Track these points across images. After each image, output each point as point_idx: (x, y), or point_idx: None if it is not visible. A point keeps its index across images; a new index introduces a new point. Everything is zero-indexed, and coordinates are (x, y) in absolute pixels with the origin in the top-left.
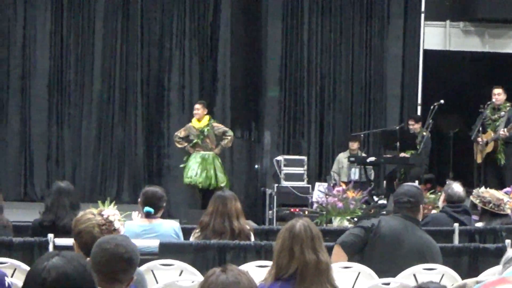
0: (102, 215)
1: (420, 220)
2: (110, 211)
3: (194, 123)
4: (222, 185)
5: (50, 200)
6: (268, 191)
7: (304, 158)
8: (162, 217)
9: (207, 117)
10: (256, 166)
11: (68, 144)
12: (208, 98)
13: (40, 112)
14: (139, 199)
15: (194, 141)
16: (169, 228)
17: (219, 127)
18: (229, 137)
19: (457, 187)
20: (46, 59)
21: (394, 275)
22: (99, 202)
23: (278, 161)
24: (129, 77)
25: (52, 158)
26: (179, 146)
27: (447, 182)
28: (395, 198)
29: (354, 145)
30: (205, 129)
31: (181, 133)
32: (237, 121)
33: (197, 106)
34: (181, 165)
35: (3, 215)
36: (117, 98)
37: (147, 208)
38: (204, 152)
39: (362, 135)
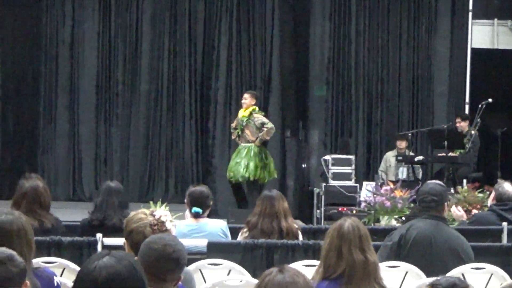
0: (154, 216)
1: (446, 217)
2: (162, 211)
3: (240, 113)
4: (251, 178)
5: (99, 199)
6: (316, 190)
7: (352, 157)
8: (210, 216)
9: (252, 108)
10: (304, 166)
11: (116, 144)
12: (262, 99)
13: (88, 111)
14: (185, 200)
15: (237, 131)
16: (216, 228)
17: (258, 118)
18: (265, 129)
19: (508, 186)
20: (94, 59)
21: (434, 276)
22: (151, 202)
23: (325, 160)
24: (177, 77)
25: (100, 157)
26: (233, 137)
27: (498, 181)
28: (419, 197)
29: (401, 144)
30: (244, 119)
31: (233, 124)
32: (286, 121)
33: (245, 95)
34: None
35: (51, 214)
36: (164, 98)
37: (195, 209)
38: (243, 144)
39: (409, 134)
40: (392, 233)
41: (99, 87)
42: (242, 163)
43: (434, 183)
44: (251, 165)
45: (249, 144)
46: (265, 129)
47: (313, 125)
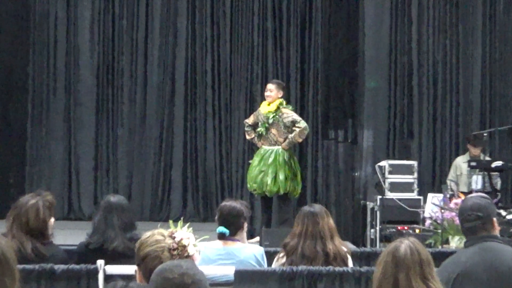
0: (173, 238)
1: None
2: (184, 233)
3: (263, 107)
4: (281, 191)
5: (97, 218)
6: (370, 204)
7: (414, 163)
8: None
9: (279, 101)
10: (356, 174)
11: (122, 149)
12: (297, 92)
13: (87, 110)
14: (216, 217)
15: (258, 130)
16: (249, 254)
17: (288, 114)
18: (297, 129)
19: None
20: (94, 45)
21: None
22: (170, 222)
23: (381, 168)
24: (196, 66)
25: (102, 166)
26: (248, 137)
27: None
28: (461, 217)
29: (475, 148)
30: (270, 116)
31: (250, 119)
32: (330, 118)
33: (269, 85)
34: (249, 161)
35: (40, 240)
36: (181, 92)
37: (220, 228)
38: (268, 148)
39: (485, 135)
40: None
41: (100, 80)
42: (269, 173)
43: (476, 197)
44: (281, 175)
45: (275, 148)
46: (297, 129)
47: (365, 124)
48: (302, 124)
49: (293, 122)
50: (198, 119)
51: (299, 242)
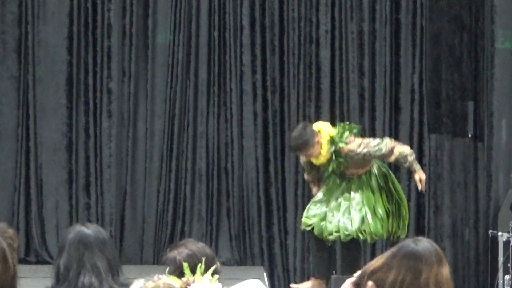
0: None
1: None
2: (205, 284)
3: (315, 159)
4: (368, 237)
5: (64, 259)
6: (503, 236)
7: None
8: None
9: (326, 142)
10: (482, 188)
11: (106, 159)
12: (390, 56)
13: (53, 100)
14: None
15: (327, 170)
16: None
17: (352, 148)
18: (377, 154)
19: None
20: (66, 7)
21: None
22: (185, 265)
23: None
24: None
25: (77, 183)
26: (315, 192)
27: None
28: None
29: None
30: (333, 166)
31: (306, 175)
32: (438, 103)
33: (299, 154)
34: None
35: None
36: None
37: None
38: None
39: None
40: None
41: (72, 56)
42: (350, 209)
43: None
44: (367, 211)
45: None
46: (375, 153)
47: (496, 110)
48: (383, 145)
49: (371, 153)
50: (228, 101)
51: None
